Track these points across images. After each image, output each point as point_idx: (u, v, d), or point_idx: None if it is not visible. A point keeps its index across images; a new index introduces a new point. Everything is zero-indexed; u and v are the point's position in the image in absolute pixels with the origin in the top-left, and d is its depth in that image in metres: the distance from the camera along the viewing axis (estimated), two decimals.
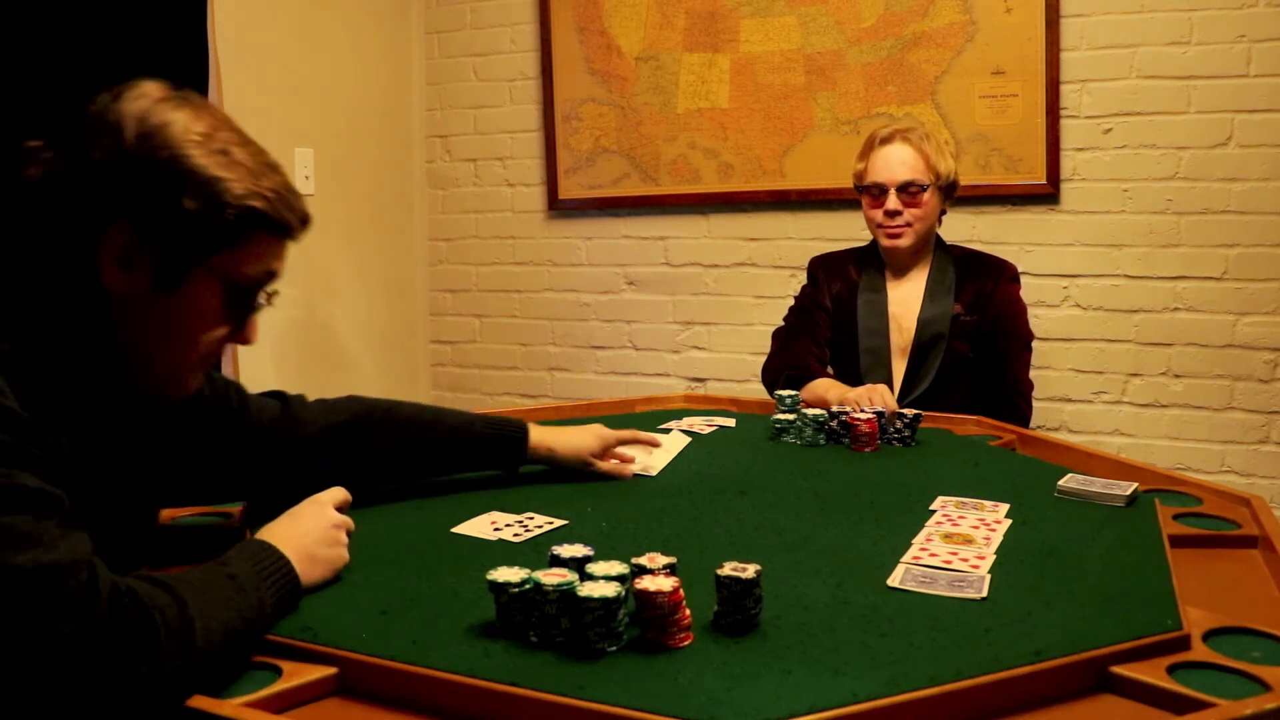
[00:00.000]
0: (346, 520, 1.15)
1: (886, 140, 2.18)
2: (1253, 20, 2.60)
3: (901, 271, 2.25)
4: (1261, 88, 2.60)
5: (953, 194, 2.22)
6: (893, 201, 2.14)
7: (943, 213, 2.25)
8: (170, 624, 0.84)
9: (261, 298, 1.06)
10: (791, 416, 1.78)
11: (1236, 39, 2.61)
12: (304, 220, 1.05)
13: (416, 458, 1.44)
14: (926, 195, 2.14)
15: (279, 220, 1.01)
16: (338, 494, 1.17)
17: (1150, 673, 0.90)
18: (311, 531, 1.10)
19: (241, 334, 1.06)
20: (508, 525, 1.30)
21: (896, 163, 2.15)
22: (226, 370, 2.70)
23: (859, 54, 2.95)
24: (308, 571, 1.06)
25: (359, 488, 1.40)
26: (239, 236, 0.99)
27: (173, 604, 0.86)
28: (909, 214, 2.14)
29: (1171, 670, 0.90)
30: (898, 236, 2.16)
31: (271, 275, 1.05)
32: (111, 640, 0.81)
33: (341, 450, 1.36)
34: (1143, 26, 2.70)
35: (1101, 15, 2.73)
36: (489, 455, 1.48)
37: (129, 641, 0.82)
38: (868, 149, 2.22)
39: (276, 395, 1.37)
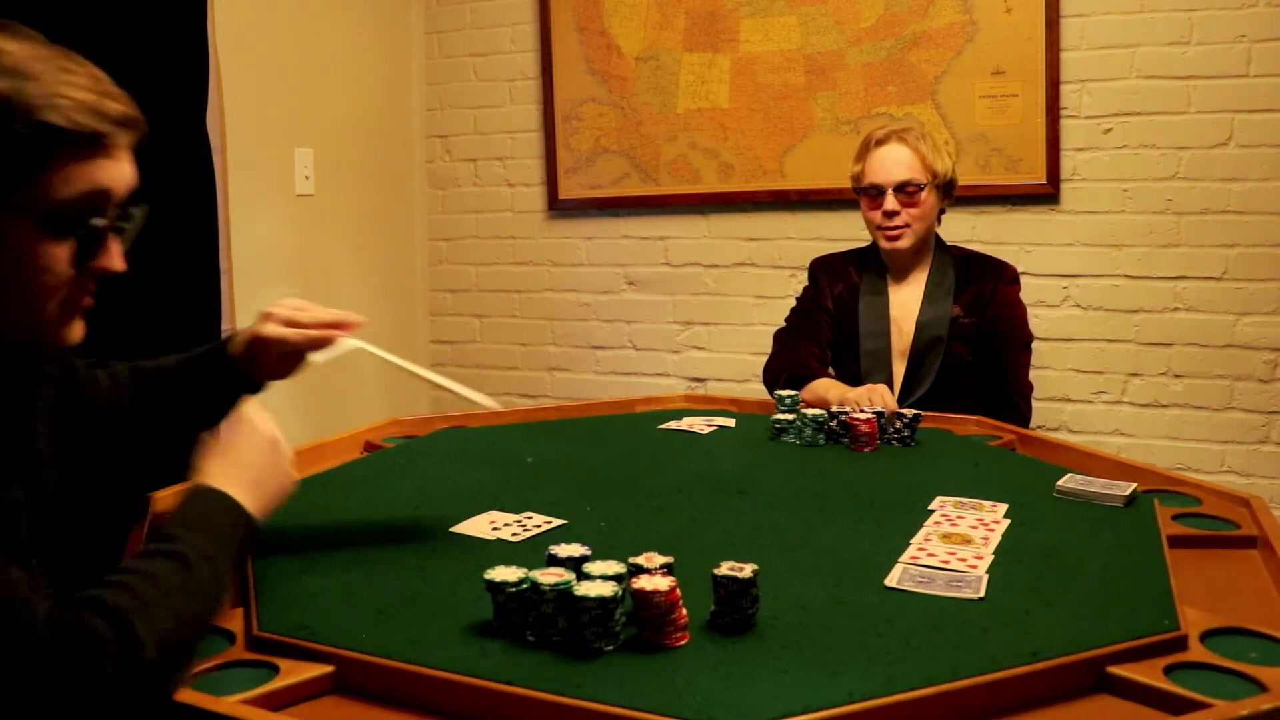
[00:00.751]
0: (277, 432, 1.10)
1: (882, 141, 2.18)
2: (1253, 20, 2.59)
3: (902, 273, 2.25)
4: (1261, 88, 2.60)
5: (951, 193, 2.22)
6: (890, 202, 2.13)
7: (942, 211, 2.25)
8: (112, 642, 0.80)
9: (102, 220, 0.90)
10: (791, 416, 1.78)
11: (1236, 39, 2.61)
12: (126, 122, 0.89)
13: (173, 412, 1.27)
14: (924, 194, 2.14)
15: (85, 132, 0.85)
16: (253, 406, 1.10)
17: (1147, 673, 0.90)
18: (255, 463, 1.04)
19: (96, 264, 0.92)
20: (506, 525, 1.30)
21: (893, 163, 2.15)
22: None
23: (859, 54, 2.95)
24: (261, 507, 1.02)
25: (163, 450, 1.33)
26: (37, 164, 0.84)
27: (113, 622, 0.81)
28: (907, 214, 2.14)
29: (1168, 671, 0.90)
30: (897, 239, 2.15)
31: (104, 194, 0.89)
32: (55, 674, 0.78)
33: (141, 417, 1.26)
34: (1143, 26, 2.69)
35: (1101, 15, 2.72)
36: (214, 388, 1.25)
37: (73, 673, 0.79)
38: (864, 151, 2.21)
39: (103, 365, 1.27)
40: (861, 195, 2.20)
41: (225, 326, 2.70)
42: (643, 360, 3.36)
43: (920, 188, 2.13)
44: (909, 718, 0.84)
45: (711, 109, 3.14)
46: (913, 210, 2.14)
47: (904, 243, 2.16)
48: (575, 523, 1.31)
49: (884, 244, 2.18)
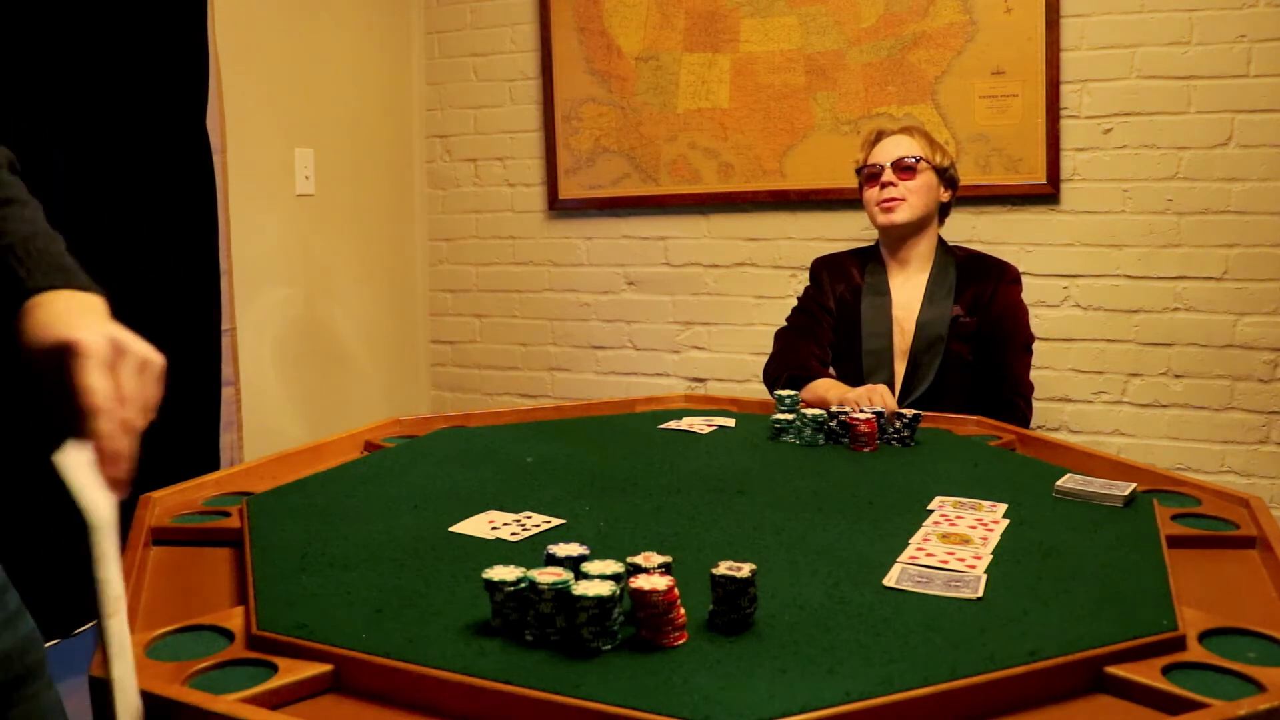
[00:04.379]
0: None
1: (885, 132, 2.26)
2: (1253, 20, 2.59)
3: (904, 270, 2.25)
4: (1261, 88, 2.60)
5: (954, 187, 2.25)
6: (888, 175, 2.18)
7: (945, 211, 2.26)
8: None
9: None
10: (791, 416, 1.78)
11: (1236, 39, 2.61)
12: None
13: None
14: (921, 167, 2.17)
15: None
16: None
17: (1145, 673, 0.90)
18: None
19: None
20: (505, 524, 1.30)
21: (892, 144, 2.22)
22: (226, 371, 2.71)
23: (859, 54, 2.95)
24: None
25: None
26: None
27: None
28: (903, 187, 2.18)
29: (1166, 671, 0.90)
30: (891, 210, 2.18)
31: None
32: None
33: None
34: (1143, 26, 2.70)
35: (1101, 15, 2.72)
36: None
37: None
38: (868, 142, 2.29)
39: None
40: (863, 178, 2.25)
41: (225, 326, 2.70)
42: (643, 360, 3.37)
43: (918, 160, 2.16)
44: (907, 717, 0.84)
45: (711, 109, 3.14)
46: (910, 183, 2.17)
47: (899, 215, 2.18)
48: (574, 522, 1.31)
49: (880, 218, 2.21)
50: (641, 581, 0.94)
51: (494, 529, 1.29)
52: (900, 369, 2.21)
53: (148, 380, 0.82)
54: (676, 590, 0.94)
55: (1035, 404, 2.31)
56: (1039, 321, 2.74)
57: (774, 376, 2.19)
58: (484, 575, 0.97)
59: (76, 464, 0.77)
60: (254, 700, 0.87)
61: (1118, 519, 1.31)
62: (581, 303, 3.43)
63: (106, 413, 0.79)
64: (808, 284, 2.38)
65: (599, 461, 1.64)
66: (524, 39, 3.40)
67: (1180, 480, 1.49)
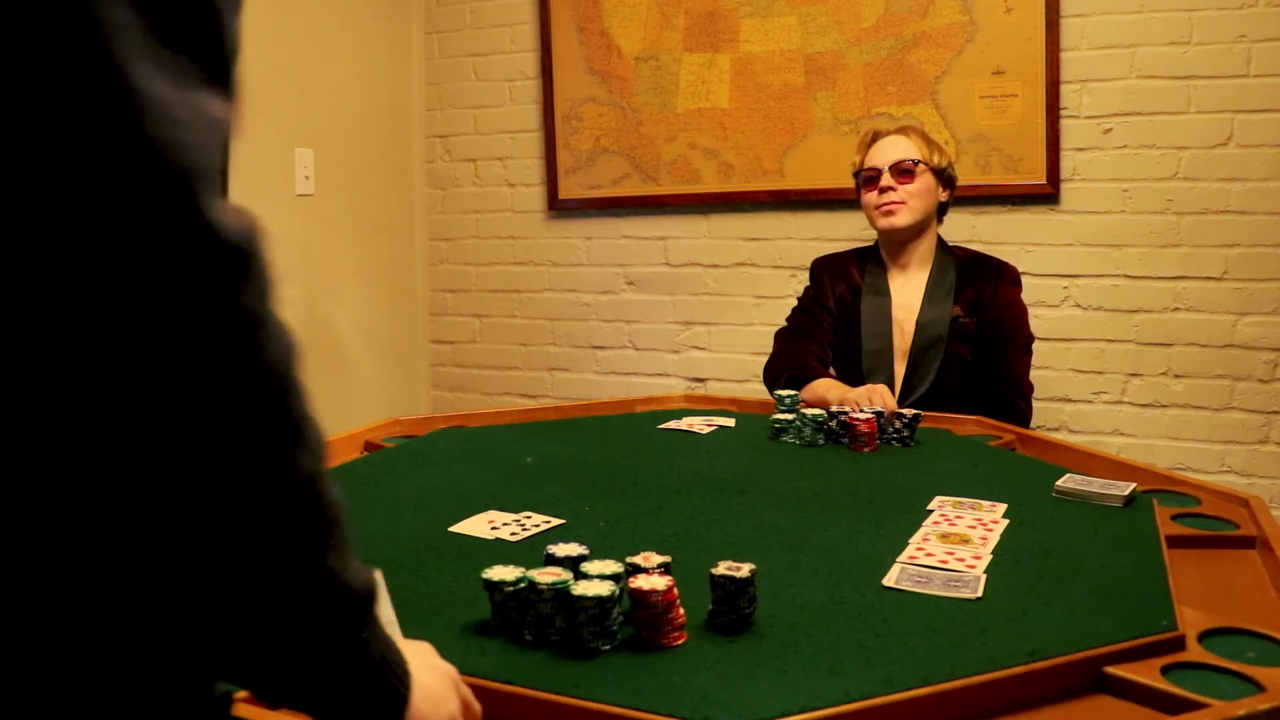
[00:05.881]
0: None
1: (882, 134, 2.26)
2: (1253, 20, 2.59)
3: (903, 271, 2.25)
4: (1261, 88, 2.60)
5: (951, 187, 2.25)
6: (886, 179, 2.18)
7: (943, 211, 2.26)
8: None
9: None
10: (791, 416, 1.78)
11: (1236, 39, 2.61)
12: None
13: None
14: (919, 170, 2.17)
15: None
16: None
17: (1144, 673, 0.90)
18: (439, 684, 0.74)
19: None
20: (505, 524, 1.30)
21: (889, 147, 2.22)
22: None
23: (859, 54, 2.95)
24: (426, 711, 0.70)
25: None
26: None
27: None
28: (903, 191, 2.17)
29: (1166, 671, 0.90)
30: (892, 213, 2.17)
31: None
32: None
33: None
34: (1143, 26, 2.69)
35: (1101, 15, 2.72)
36: None
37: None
38: (864, 144, 2.29)
39: None
40: (861, 181, 2.24)
41: None
42: (643, 360, 3.36)
43: (916, 163, 2.16)
44: (907, 717, 0.84)
45: (711, 109, 3.14)
46: (909, 187, 2.17)
47: (900, 219, 2.17)
48: (574, 522, 1.31)
49: (881, 222, 2.20)
50: (641, 581, 0.94)
51: (494, 529, 1.29)
52: (900, 369, 2.21)
53: None
54: (676, 590, 0.94)
55: (1035, 404, 2.31)
56: (1039, 321, 2.74)
57: (774, 376, 2.20)
58: (484, 575, 0.97)
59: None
60: (253, 700, 0.87)
61: (1118, 519, 1.31)
62: (581, 303, 3.43)
63: None
64: (808, 284, 2.38)
65: (599, 461, 1.64)
66: (524, 39, 3.40)
67: (1180, 480, 1.49)
